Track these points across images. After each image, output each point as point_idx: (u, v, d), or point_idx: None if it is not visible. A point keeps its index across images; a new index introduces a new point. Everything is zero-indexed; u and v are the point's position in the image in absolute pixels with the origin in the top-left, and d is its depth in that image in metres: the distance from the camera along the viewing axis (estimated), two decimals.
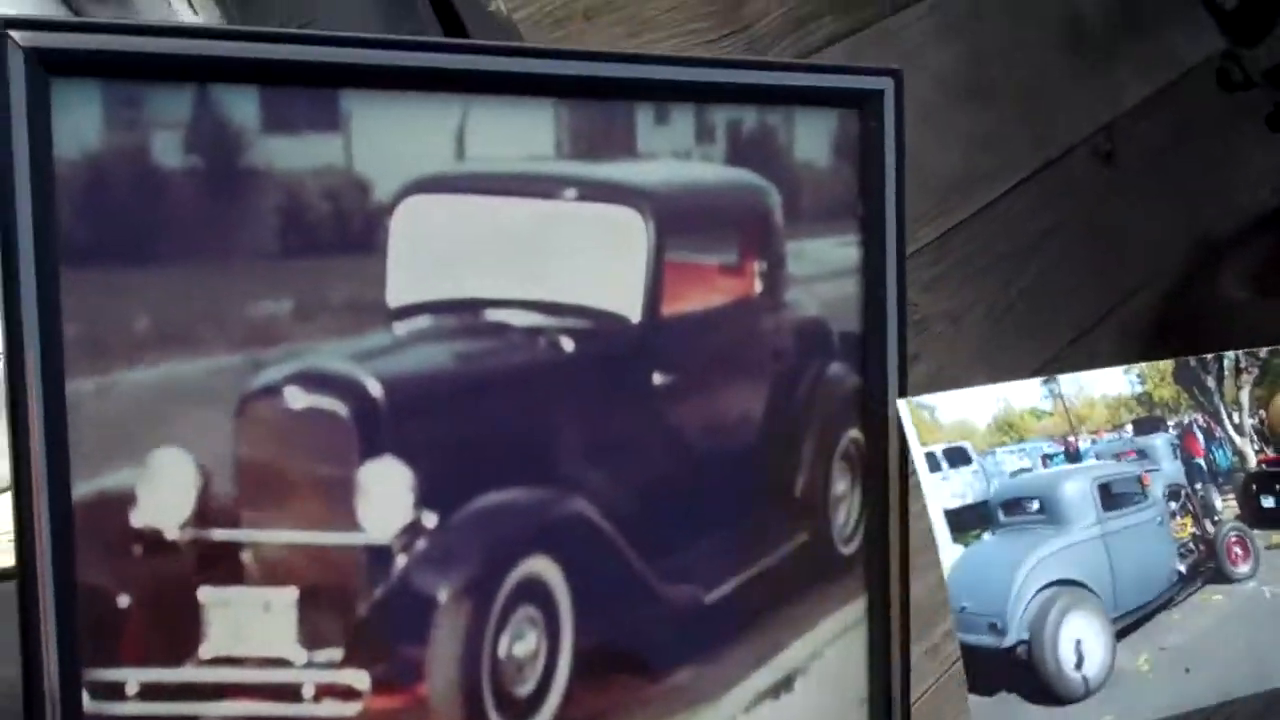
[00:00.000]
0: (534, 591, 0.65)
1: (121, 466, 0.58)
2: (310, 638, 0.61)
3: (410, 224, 0.63)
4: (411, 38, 0.62)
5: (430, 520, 0.63)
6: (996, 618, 0.67)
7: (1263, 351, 0.75)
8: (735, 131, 0.70)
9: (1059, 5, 2.10)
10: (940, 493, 0.68)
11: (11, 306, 0.55)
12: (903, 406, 0.68)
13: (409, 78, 0.62)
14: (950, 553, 0.67)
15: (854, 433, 0.74)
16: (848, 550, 0.73)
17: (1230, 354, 0.75)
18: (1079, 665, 0.68)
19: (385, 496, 0.63)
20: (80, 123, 0.57)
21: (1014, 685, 0.67)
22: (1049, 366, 1.96)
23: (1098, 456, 0.71)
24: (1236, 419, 0.75)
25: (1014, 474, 0.69)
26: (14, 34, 0.55)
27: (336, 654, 0.61)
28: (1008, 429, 0.70)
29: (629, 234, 0.67)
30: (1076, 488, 0.70)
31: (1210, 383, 0.75)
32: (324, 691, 0.61)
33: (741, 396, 0.70)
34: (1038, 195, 1.97)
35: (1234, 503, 0.74)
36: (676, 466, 0.69)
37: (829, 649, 0.73)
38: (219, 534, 0.59)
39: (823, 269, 0.72)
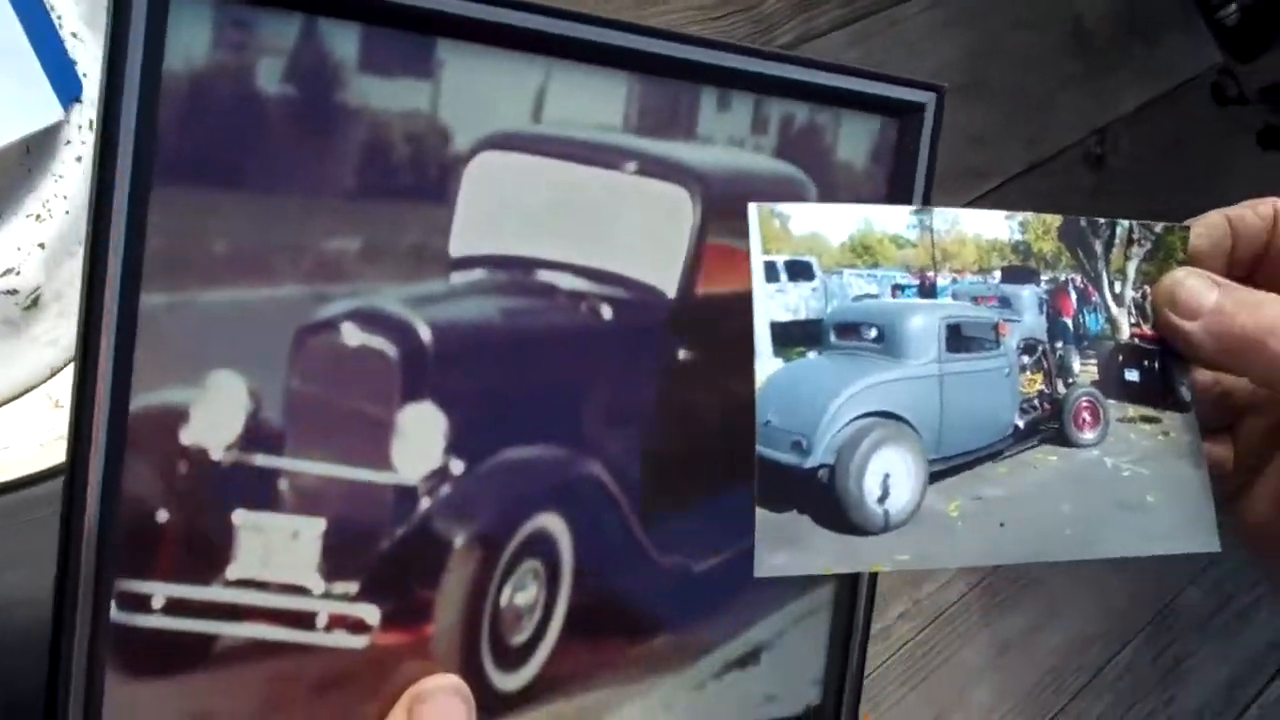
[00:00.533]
0: (541, 545, 0.68)
1: (179, 383, 0.59)
2: (330, 569, 0.63)
3: (482, 178, 0.64)
4: None
5: (457, 467, 0.65)
6: (803, 436, 0.66)
7: (1158, 226, 0.74)
8: (787, 125, 0.72)
9: (1062, 9, 2.14)
10: (771, 303, 0.66)
11: (103, 212, 0.56)
12: (753, 210, 0.66)
13: (503, 34, 0.63)
14: (768, 365, 0.66)
15: None
16: None
17: (1124, 222, 0.74)
18: (882, 499, 0.66)
19: (420, 440, 0.64)
20: (191, 39, 0.57)
21: (807, 507, 0.65)
22: None
23: (955, 296, 0.69)
24: (1118, 288, 0.74)
25: (858, 298, 0.67)
26: None
27: (353, 587, 0.63)
28: (863, 251, 0.68)
29: (677, 211, 0.69)
30: (921, 322, 0.68)
31: (1098, 247, 0.73)
32: (336, 622, 0.63)
33: (749, 381, 0.73)
34: (1025, 195, 2.02)
35: (1094, 369, 0.72)
36: (685, 441, 0.71)
37: (794, 628, 0.76)
38: (261, 459, 0.61)
39: None
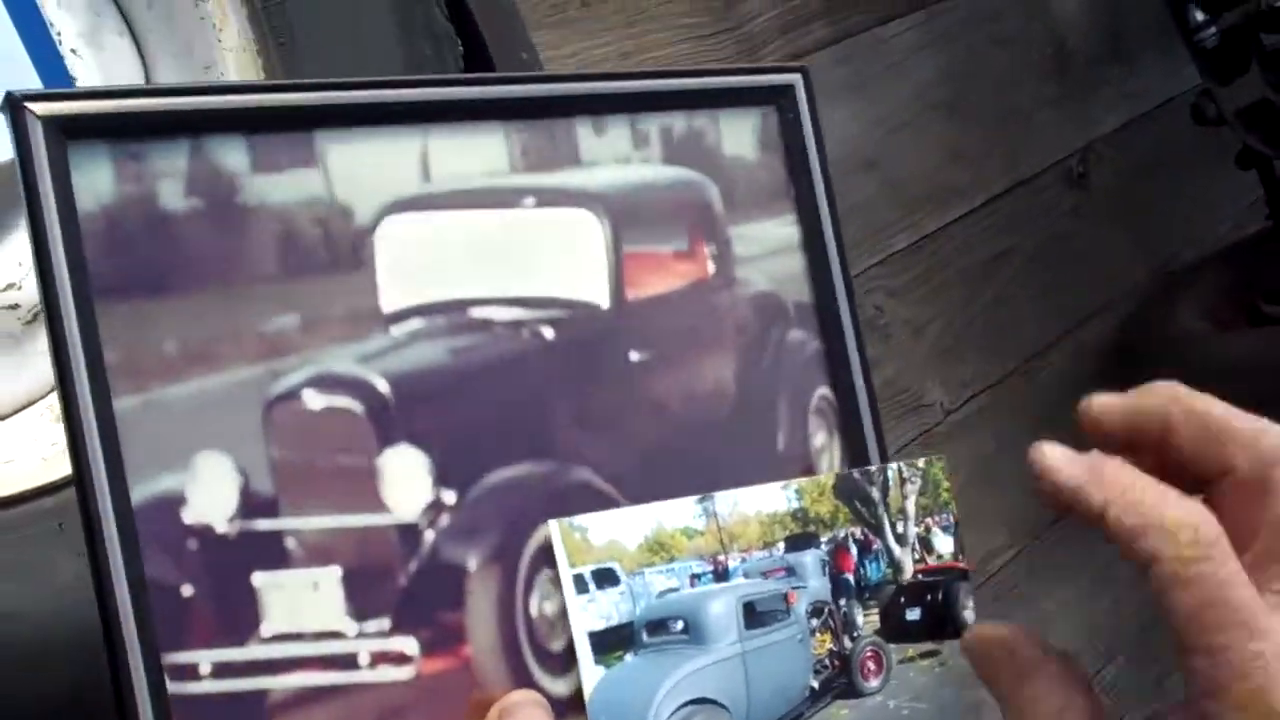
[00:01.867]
0: (553, 554, 0.74)
1: (169, 471, 0.67)
2: (359, 610, 0.69)
3: (391, 240, 0.73)
4: (369, 79, 0.73)
5: (450, 498, 0.72)
6: None
7: (920, 461, 0.80)
8: (668, 135, 0.81)
9: (1044, 31, 2.22)
10: (586, 615, 0.72)
11: (59, 341, 0.65)
12: (554, 528, 0.72)
13: (372, 113, 0.73)
14: (591, 675, 0.71)
15: (823, 389, 0.83)
16: None
17: (893, 465, 0.79)
18: None
19: (406, 479, 0.72)
20: (95, 178, 0.67)
21: None
22: (1000, 385, 2.04)
23: (746, 575, 0.75)
24: (900, 528, 0.79)
25: (661, 594, 0.73)
26: (31, 105, 0.66)
27: (385, 624, 0.70)
28: (659, 548, 0.73)
29: (587, 231, 0.77)
30: (720, 607, 0.74)
31: (875, 494, 0.79)
32: (379, 658, 0.69)
33: (713, 366, 0.80)
34: (1007, 213, 2.07)
35: (876, 617, 0.78)
36: (664, 433, 0.78)
37: None
38: (264, 524, 0.68)
39: (768, 247, 0.83)
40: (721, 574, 0.75)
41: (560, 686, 0.73)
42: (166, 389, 0.67)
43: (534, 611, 0.73)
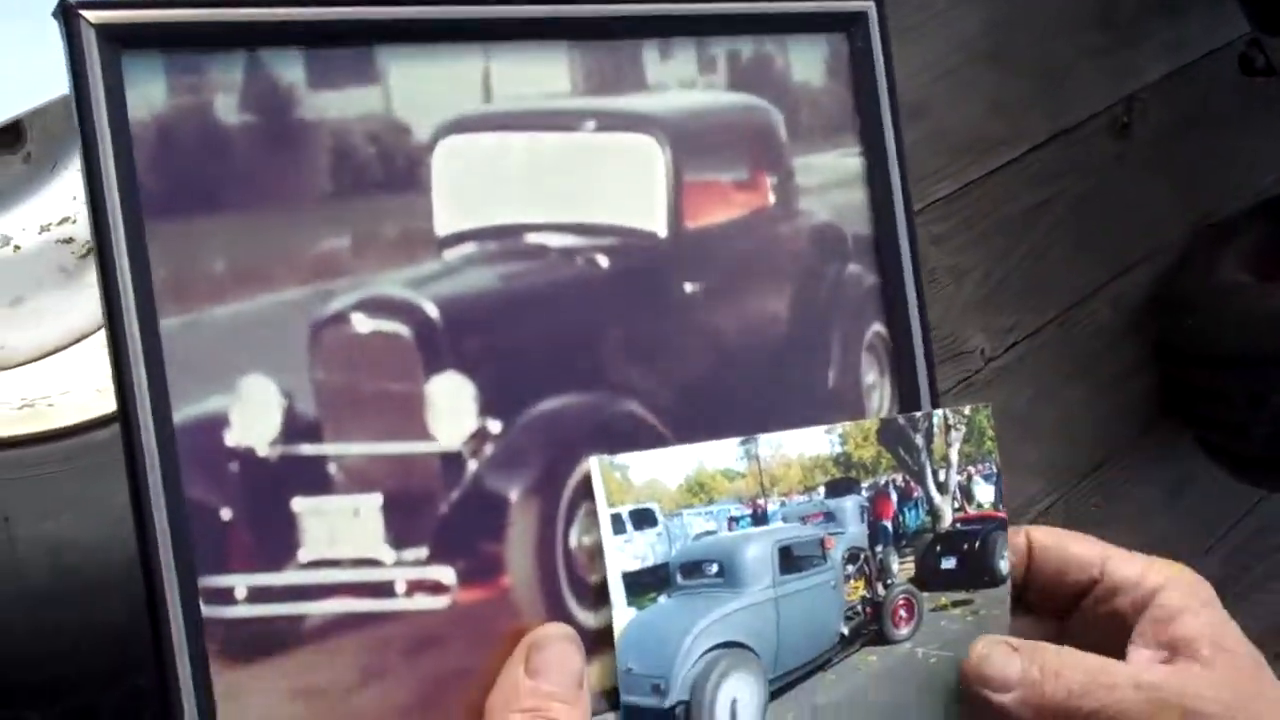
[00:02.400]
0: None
1: (214, 393, 0.66)
2: (398, 539, 0.69)
3: (449, 161, 0.72)
4: None
5: (495, 427, 0.72)
6: (661, 679, 0.71)
7: (966, 409, 0.80)
8: (735, 60, 0.79)
9: None
10: (621, 555, 0.72)
11: (106, 258, 0.64)
12: (594, 466, 0.72)
13: (433, 30, 0.71)
14: (623, 615, 0.71)
15: (878, 326, 0.82)
16: None
17: (938, 412, 0.80)
18: None
19: (452, 407, 0.71)
20: (149, 90, 0.66)
21: None
22: (1040, 334, 2.03)
23: (784, 519, 0.75)
24: (942, 476, 0.79)
25: (698, 536, 0.73)
26: (85, 13, 0.65)
27: (423, 552, 0.70)
28: (699, 490, 0.73)
29: (648, 158, 0.76)
30: (756, 551, 0.74)
31: (919, 440, 0.79)
32: (415, 587, 0.70)
33: (768, 299, 0.79)
34: (1049, 162, 2.05)
35: (911, 565, 0.78)
36: (715, 366, 0.77)
37: None
38: (306, 449, 0.68)
39: (831, 179, 0.81)
40: (760, 517, 0.76)
41: (596, 620, 0.74)
42: (214, 309, 0.67)
43: (573, 544, 0.73)
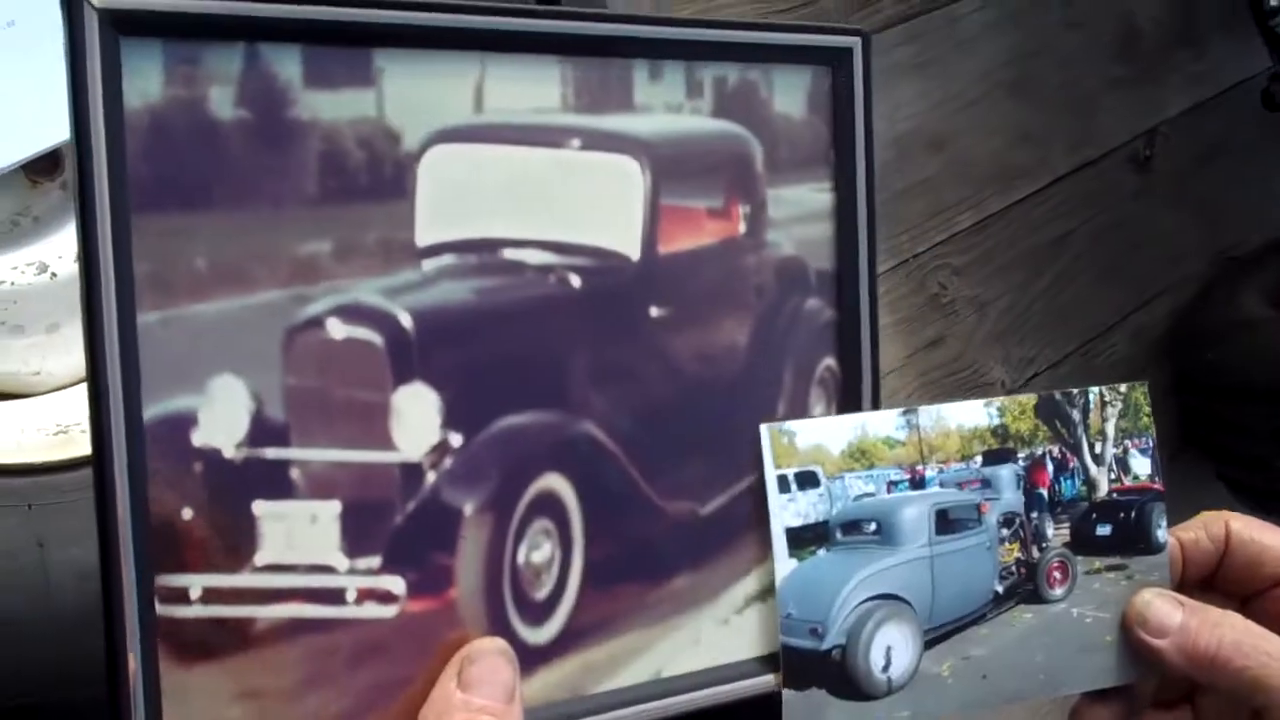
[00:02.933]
0: (548, 505, 0.75)
1: (184, 392, 0.66)
2: (352, 547, 0.70)
3: (435, 170, 0.72)
4: (434, 1, 0.71)
5: (456, 440, 0.72)
6: (819, 624, 0.78)
7: (1123, 386, 0.84)
8: (721, 86, 0.80)
9: (1115, 13, 2.20)
10: (785, 512, 0.78)
11: (89, 246, 0.64)
12: (764, 431, 0.78)
13: (433, 36, 0.71)
14: (785, 566, 0.78)
15: (829, 360, 0.84)
16: None
17: (1095, 389, 0.84)
18: (886, 668, 0.79)
19: (416, 418, 0.72)
20: (145, 78, 0.65)
21: (824, 683, 0.78)
22: (1061, 365, 2.07)
23: (941, 485, 0.81)
24: (1098, 449, 0.85)
25: (858, 498, 0.79)
26: None
27: (375, 561, 0.70)
28: (861, 456, 0.80)
29: (628, 179, 0.77)
30: (913, 512, 0.80)
31: (1075, 415, 0.84)
32: (365, 595, 0.70)
33: (728, 328, 0.80)
34: (1072, 195, 2.08)
35: (1066, 531, 0.84)
36: (672, 392, 0.78)
37: None
38: (271, 452, 0.68)
39: (800, 212, 0.82)
40: (918, 483, 0.81)
41: (537, 635, 0.75)
42: (192, 307, 0.67)
43: (521, 560, 0.74)
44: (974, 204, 1.94)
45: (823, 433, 0.79)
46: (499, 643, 0.73)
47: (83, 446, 0.99)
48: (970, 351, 1.95)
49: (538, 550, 0.74)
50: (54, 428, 1.01)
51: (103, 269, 0.64)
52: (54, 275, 1.03)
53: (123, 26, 0.64)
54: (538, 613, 0.74)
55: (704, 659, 0.80)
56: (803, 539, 0.79)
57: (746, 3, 1.72)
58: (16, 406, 1.03)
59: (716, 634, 0.80)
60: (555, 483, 0.75)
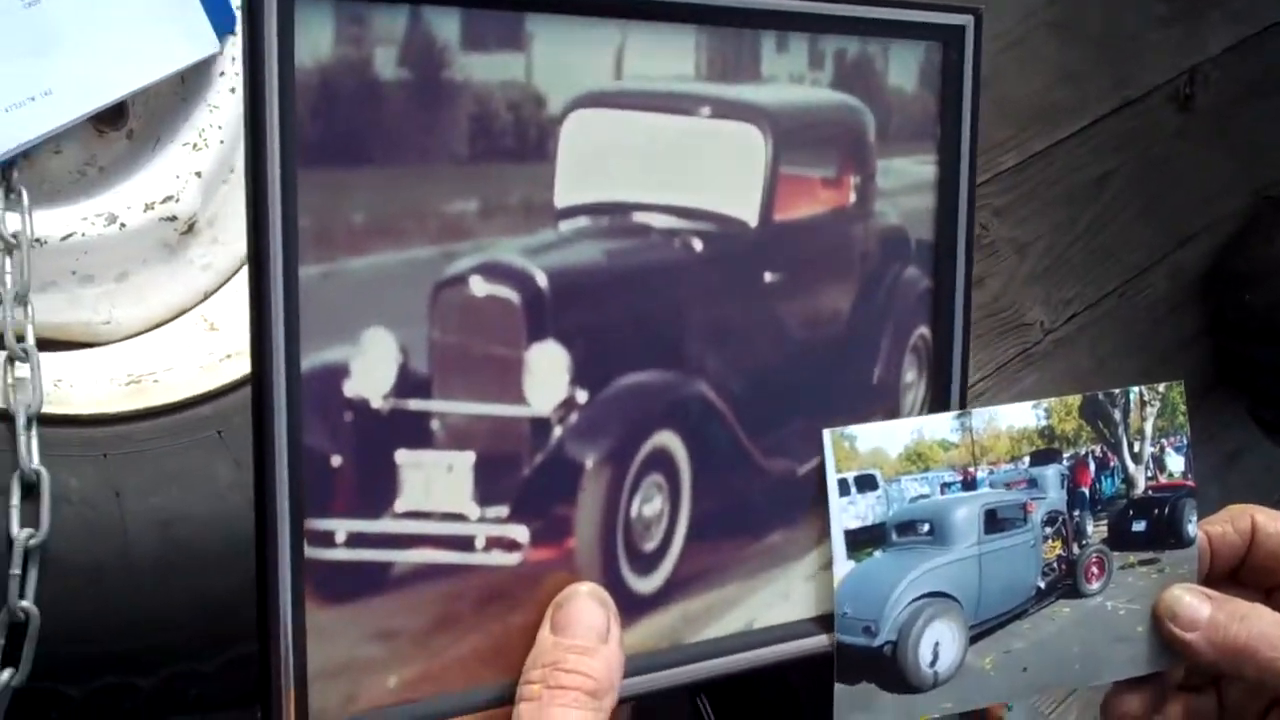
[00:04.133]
0: (661, 460, 0.79)
1: (338, 343, 0.70)
2: (483, 496, 0.74)
3: (576, 134, 0.75)
4: None
5: (582, 396, 0.77)
6: (872, 622, 0.83)
7: (1160, 386, 0.90)
8: (841, 59, 0.84)
9: None
10: (844, 515, 0.83)
11: (259, 199, 0.67)
12: (826, 436, 0.83)
13: (582, 4, 0.75)
14: (843, 567, 0.83)
15: (923, 329, 0.89)
16: None
17: (1135, 389, 0.90)
18: (933, 663, 0.85)
19: (547, 375, 0.76)
20: (317, 37, 0.68)
21: (875, 677, 0.84)
22: (1100, 305, 2.11)
23: (991, 485, 0.86)
24: (1137, 447, 0.90)
25: (913, 499, 0.84)
26: None
27: (504, 511, 0.75)
28: (916, 458, 0.85)
29: (751, 148, 0.81)
30: (964, 513, 0.85)
31: (1116, 415, 0.90)
32: (492, 543, 0.75)
33: (833, 294, 0.85)
34: (1112, 134, 2.11)
35: (1105, 528, 0.90)
36: (779, 354, 0.83)
37: None
38: (414, 404, 0.72)
39: (905, 183, 0.87)
40: (970, 484, 0.86)
41: (644, 585, 0.80)
42: (349, 261, 0.70)
43: (634, 512, 0.79)
44: (1017, 144, 1.98)
45: (881, 437, 0.84)
46: (591, 586, 0.77)
47: (156, 396, 1.02)
48: (1010, 292, 1.99)
49: (649, 504, 0.78)
50: (126, 378, 1.03)
51: (271, 223, 0.67)
52: (123, 225, 1.06)
53: None
54: (646, 563, 0.79)
55: (792, 612, 0.85)
56: (860, 540, 0.84)
57: None
58: (88, 356, 1.06)
59: (804, 589, 0.85)
60: (668, 439, 0.79)
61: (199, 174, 1.07)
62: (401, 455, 0.72)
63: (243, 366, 1.05)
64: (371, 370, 0.71)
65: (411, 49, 0.70)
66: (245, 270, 1.08)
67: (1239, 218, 2.43)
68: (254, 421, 0.68)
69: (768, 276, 0.81)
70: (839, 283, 0.84)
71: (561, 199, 0.75)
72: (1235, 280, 2.35)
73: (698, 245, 0.79)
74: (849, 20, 0.82)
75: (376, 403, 0.71)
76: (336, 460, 0.70)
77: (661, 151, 0.77)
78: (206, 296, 1.10)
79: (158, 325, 1.09)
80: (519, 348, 0.74)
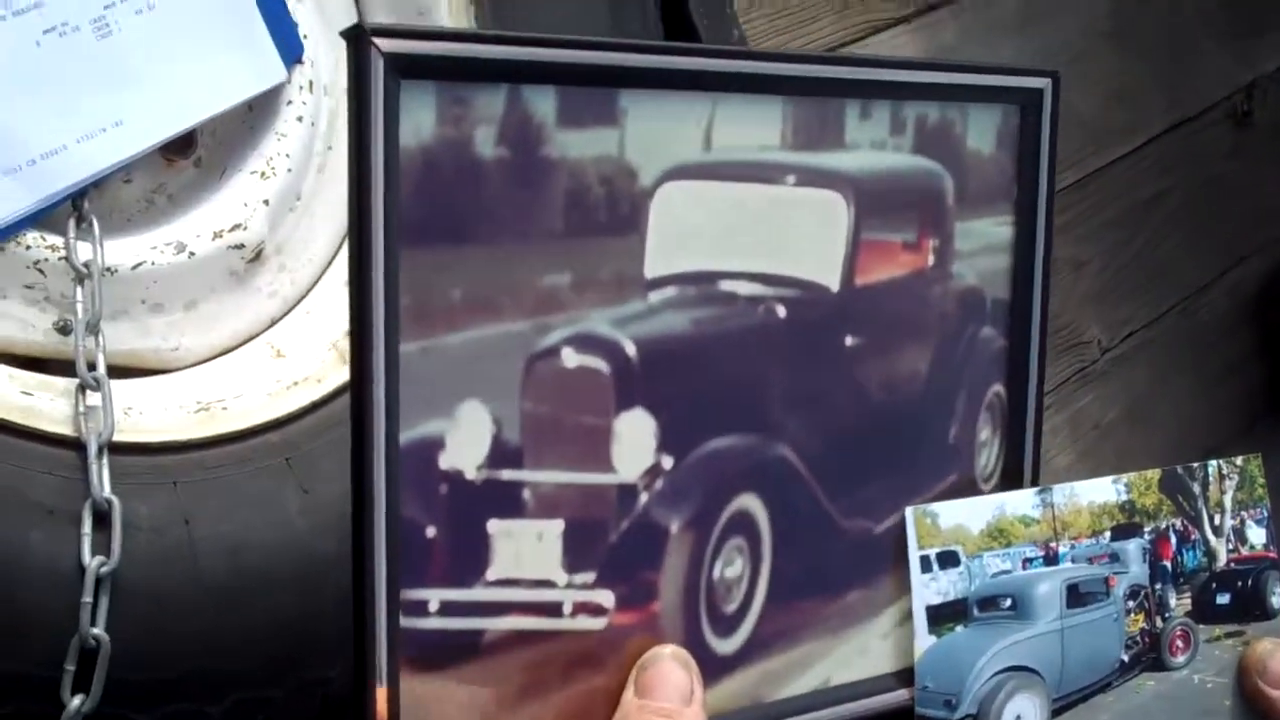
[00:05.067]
0: (743, 524, 0.82)
1: (434, 417, 0.72)
2: (571, 563, 0.76)
3: (666, 206, 0.77)
4: (674, 44, 0.77)
5: (668, 462, 0.79)
6: (953, 695, 0.85)
7: (1239, 459, 0.92)
8: (921, 124, 0.86)
9: None
10: (926, 591, 0.85)
11: (363, 278, 0.69)
12: (909, 514, 0.85)
13: (675, 77, 0.77)
14: (924, 641, 0.85)
15: (998, 387, 0.91)
16: (987, 488, 0.92)
17: (1213, 462, 0.92)
18: None
19: (634, 442, 0.78)
20: (419, 119, 0.71)
21: None
22: (1157, 324, 2.12)
23: (1073, 560, 0.88)
24: (1217, 520, 0.92)
25: (995, 575, 0.87)
26: (377, 40, 0.69)
27: (590, 576, 0.77)
28: (998, 534, 0.87)
29: (834, 215, 0.83)
30: (1046, 588, 0.87)
31: (1196, 488, 0.92)
32: (579, 608, 0.77)
33: (912, 356, 0.87)
34: (1169, 151, 2.10)
35: (1188, 600, 0.91)
36: (858, 416, 0.86)
37: None
38: (506, 474, 0.75)
39: (982, 245, 0.89)
40: (1051, 559, 0.89)
41: (725, 646, 0.83)
42: (447, 337, 0.72)
43: (716, 575, 0.81)
44: (1074, 162, 1.99)
45: (964, 513, 0.87)
46: (674, 648, 0.79)
47: (224, 424, 1.04)
48: (1068, 311, 2.00)
49: (730, 566, 0.81)
50: (195, 405, 1.05)
51: (375, 303, 0.69)
52: (191, 254, 1.07)
53: (404, 69, 0.69)
54: (727, 625, 0.82)
55: (870, 668, 0.87)
56: (942, 615, 0.86)
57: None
58: (158, 383, 1.07)
59: (881, 645, 0.88)
60: (750, 502, 0.82)
61: (266, 202, 1.09)
62: (494, 525, 0.74)
63: (310, 393, 1.06)
64: (466, 442, 0.73)
65: (510, 128, 0.72)
66: (310, 296, 1.11)
67: None
68: (353, 496, 0.71)
69: (849, 340, 0.84)
70: (917, 344, 0.87)
71: (651, 270, 0.77)
72: None
73: (781, 311, 0.81)
74: (931, 87, 0.84)
75: (470, 474, 0.73)
76: (431, 531, 0.72)
77: (748, 220, 0.79)
78: (273, 323, 1.12)
79: (225, 352, 1.11)
80: (608, 416, 0.76)
